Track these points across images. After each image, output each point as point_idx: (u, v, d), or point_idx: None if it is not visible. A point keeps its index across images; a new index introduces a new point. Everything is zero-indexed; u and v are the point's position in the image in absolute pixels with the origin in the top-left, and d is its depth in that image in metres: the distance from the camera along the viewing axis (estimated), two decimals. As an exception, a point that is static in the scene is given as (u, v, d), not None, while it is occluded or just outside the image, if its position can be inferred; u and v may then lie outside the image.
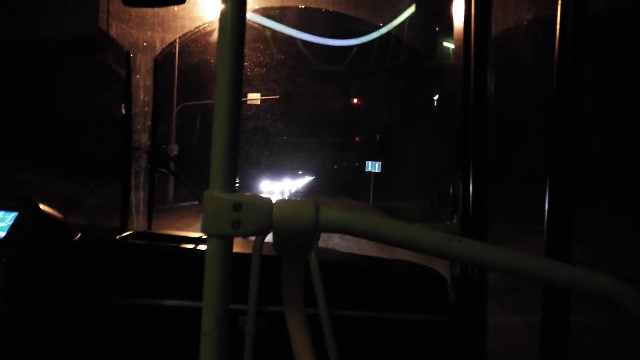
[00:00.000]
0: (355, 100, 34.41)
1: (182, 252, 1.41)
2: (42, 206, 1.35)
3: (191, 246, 1.42)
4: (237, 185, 0.55)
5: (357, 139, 33.15)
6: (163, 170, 2.13)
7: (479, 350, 1.25)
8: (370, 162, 20.20)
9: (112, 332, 1.29)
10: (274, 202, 0.54)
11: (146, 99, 3.68)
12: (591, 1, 1.02)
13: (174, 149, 12.65)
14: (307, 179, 32.38)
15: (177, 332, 1.24)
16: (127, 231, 1.59)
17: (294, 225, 0.53)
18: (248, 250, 0.65)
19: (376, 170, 20.15)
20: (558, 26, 0.99)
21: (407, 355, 1.29)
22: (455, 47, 1.39)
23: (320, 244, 0.87)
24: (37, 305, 1.26)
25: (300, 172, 31.60)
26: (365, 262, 1.54)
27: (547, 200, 0.98)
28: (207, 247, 0.52)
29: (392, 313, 1.30)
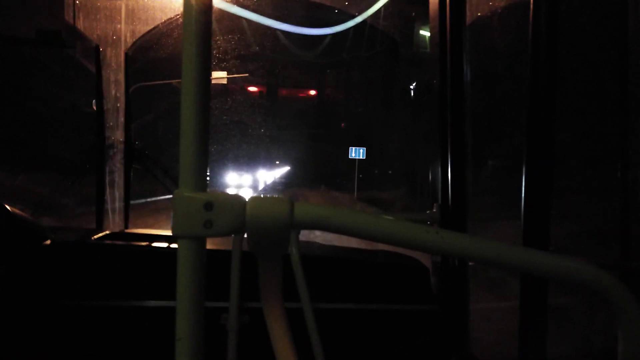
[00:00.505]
0: (332, 90, 34.40)
1: (160, 252, 1.38)
2: (11, 210, 1.30)
3: (169, 245, 1.39)
4: (207, 177, 0.53)
5: (336, 127, 33.20)
6: (138, 167, 2.08)
7: (462, 337, 1.26)
8: (354, 148, 19.00)
9: (91, 336, 1.25)
10: (247, 199, 0.52)
11: (118, 94, 3.57)
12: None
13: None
14: (285, 169, 32.28)
15: (158, 333, 1.22)
16: (103, 232, 1.55)
17: (268, 224, 0.51)
18: (228, 247, 0.64)
19: (360, 157, 19.02)
20: (532, 12, 0.99)
21: (391, 346, 1.30)
22: (432, 34, 1.38)
23: (301, 237, 0.85)
24: (11, 313, 1.21)
25: (277, 163, 31.45)
26: (346, 254, 1.53)
27: (523, 188, 0.99)
28: (179, 248, 0.50)
29: (375, 304, 1.30)
